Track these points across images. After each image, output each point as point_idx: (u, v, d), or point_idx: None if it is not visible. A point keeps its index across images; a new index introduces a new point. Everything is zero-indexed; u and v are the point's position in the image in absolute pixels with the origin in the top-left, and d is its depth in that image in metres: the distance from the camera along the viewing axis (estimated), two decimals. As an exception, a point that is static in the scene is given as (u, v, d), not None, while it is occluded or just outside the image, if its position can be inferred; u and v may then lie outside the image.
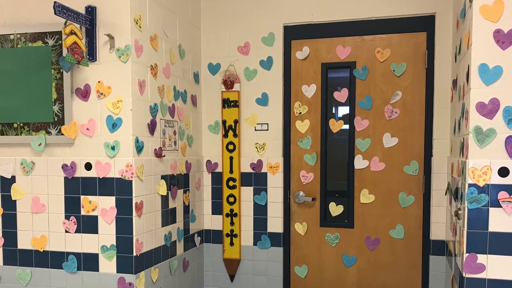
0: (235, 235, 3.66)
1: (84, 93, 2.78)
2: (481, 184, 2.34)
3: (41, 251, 2.91)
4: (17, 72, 2.86)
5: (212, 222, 3.75)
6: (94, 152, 2.79)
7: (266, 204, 3.60)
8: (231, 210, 3.66)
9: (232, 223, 3.66)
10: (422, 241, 3.39)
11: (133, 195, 2.74)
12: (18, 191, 2.92)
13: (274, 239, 3.60)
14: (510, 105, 2.30)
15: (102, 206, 2.78)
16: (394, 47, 3.38)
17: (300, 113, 3.56)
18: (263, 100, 3.58)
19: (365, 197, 3.46)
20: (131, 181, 2.73)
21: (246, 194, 3.64)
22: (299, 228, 3.60)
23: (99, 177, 2.78)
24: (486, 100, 2.33)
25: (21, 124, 2.88)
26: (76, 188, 2.83)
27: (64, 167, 2.83)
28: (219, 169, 3.70)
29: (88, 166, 2.80)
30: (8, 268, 2.97)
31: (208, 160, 3.72)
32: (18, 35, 2.85)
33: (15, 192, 2.92)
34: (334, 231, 3.54)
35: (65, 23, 2.55)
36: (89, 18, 2.70)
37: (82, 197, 2.82)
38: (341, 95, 3.49)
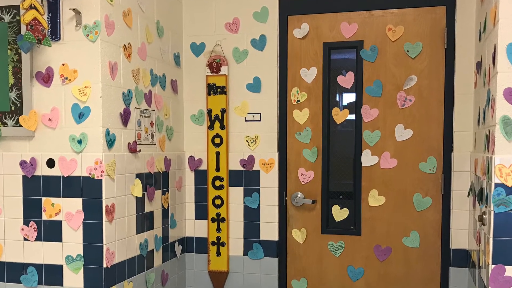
0: (222, 244, 3.67)
1: (46, 78, 2.77)
2: (509, 184, 2.35)
3: (-5, 263, 2.91)
4: (-35, 52, 2.84)
5: (195, 228, 3.75)
6: (57, 146, 2.78)
7: (258, 207, 3.61)
8: (218, 214, 3.67)
9: (218, 230, 3.67)
10: (440, 250, 3.42)
11: (103, 196, 2.74)
12: (-33, 192, 2.91)
13: (267, 248, 3.62)
14: (543, 92, 2.33)
15: (67, 210, 2.78)
16: (408, 24, 3.39)
17: (298, 101, 3.57)
18: (255, 86, 3.59)
19: (374, 199, 3.49)
20: (101, 180, 2.73)
21: (235, 195, 3.65)
22: (297, 235, 3.62)
23: (63, 176, 2.77)
24: (516, 86, 2.36)
25: (-29, 114, 2.87)
26: (37, 188, 2.82)
27: (23, 164, 2.82)
28: (203, 167, 3.70)
29: (50, 163, 2.79)
30: (-44, 283, 2.97)
31: (190, 156, 3.73)
32: (-33, 9, 2.83)
33: (-36, 194, 2.92)
34: (338, 239, 3.56)
35: (23, -5, 2.54)
36: (52, -11, 2.70)
37: (43, 199, 2.81)
38: (346, 80, 3.51)
